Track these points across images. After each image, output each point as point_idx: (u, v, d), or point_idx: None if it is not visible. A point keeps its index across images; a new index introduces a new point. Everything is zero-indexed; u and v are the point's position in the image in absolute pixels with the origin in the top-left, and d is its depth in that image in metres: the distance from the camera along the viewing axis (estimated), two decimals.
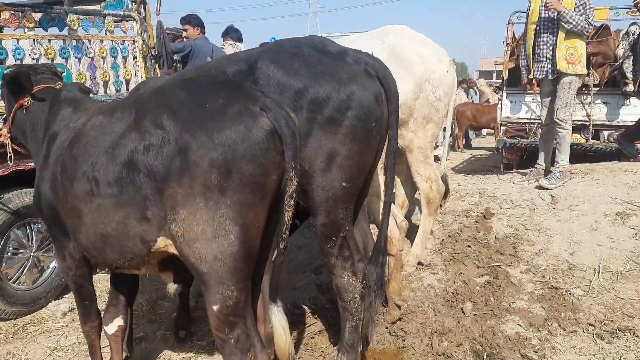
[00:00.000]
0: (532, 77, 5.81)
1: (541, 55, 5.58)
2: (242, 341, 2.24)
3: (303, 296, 4.44)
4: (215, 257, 2.12)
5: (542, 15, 5.51)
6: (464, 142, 15.13)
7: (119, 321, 3.14)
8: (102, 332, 3.17)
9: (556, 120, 5.58)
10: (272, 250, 2.39)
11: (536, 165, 6.00)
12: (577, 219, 4.49)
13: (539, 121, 8.53)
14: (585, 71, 5.71)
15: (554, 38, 5.43)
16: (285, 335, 2.37)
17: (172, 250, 2.27)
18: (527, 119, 8.67)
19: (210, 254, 2.12)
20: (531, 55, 5.71)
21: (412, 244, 4.66)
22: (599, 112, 8.07)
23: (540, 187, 5.42)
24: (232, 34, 7.99)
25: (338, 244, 2.93)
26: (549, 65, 5.53)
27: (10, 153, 3.26)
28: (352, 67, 2.79)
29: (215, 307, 2.19)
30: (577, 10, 5.25)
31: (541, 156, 6.01)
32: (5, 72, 3.18)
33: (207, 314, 2.31)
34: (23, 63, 4.22)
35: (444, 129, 13.41)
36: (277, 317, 2.35)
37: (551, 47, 5.47)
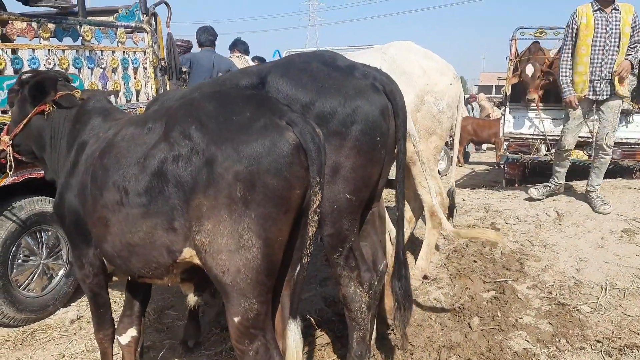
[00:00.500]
0: (582, 95, 5.53)
1: (600, 74, 5.39)
2: (262, 353, 2.26)
3: (309, 308, 4.46)
4: (238, 270, 2.15)
5: (601, 31, 5.32)
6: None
7: (132, 332, 3.16)
8: (115, 340, 3.19)
9: (604, 145, 5.43)
10: (295, 265, 2.43)
11: (554, 183, 5.85)
12: (583, 236, 4.54)
13: (542, 137, 8.64)
14: (628, 94, 5.60)
15: (613, 58, 5.30)
16: (297, 354, 2.39)
17: (197, 261, 2.29)
18: (530, 134, 8.74)
19: (233, 266, 2.15)
20: (585, 73, 5.46)
21: (416, 258, 4.71)
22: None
23: (598, 212, 5.17)
24: (239, 46, 8.06)
25: (344, 255, 2.97)
26: (608, 86, 5.37)
27: (10, 161, 3.20)
28: (359, 82, 2.84)
29: (236, 319, 2.22)
30: (633, 30, 5.19)
31: (560, 175, 5.84)
32: (25, 77, 3.15)
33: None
34: (37, 69, 4.26)
35: (445, 143, 13.42)
36: (293, 334, 2.36)
37: (610, 67, 5.32)
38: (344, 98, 2.74)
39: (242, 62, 7.63)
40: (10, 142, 3.18)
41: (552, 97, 8.79)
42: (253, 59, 7.81)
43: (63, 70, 4.45)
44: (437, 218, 4.48)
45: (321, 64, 2.87)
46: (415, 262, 4.72)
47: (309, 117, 2.68)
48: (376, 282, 3.17)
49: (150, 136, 2.39)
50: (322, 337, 4.00)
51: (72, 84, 3.34)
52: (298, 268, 2.38)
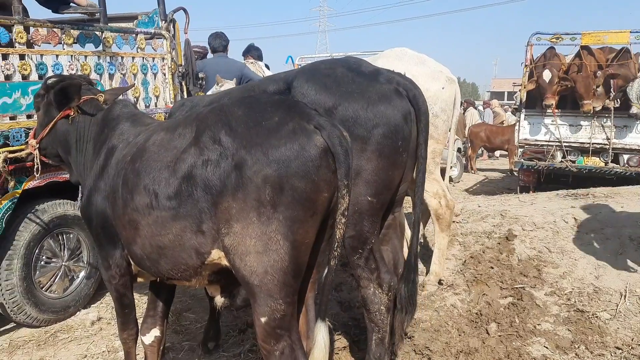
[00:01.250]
0: None
1: None
2: (287, 354, 2.29)
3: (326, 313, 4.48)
4: (265, 271, 2.19)
5: None
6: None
7: (155, 332, 3.21)
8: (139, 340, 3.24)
9: None
10: (323, 267, 2.46)
11: None
12: (601, 243, 4.53)
13: (557, 143, 8.63)
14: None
15: None
16: (326, 354, 2.42)
17: (225, 262, 2.34)
18: (546, 141, 8.73)
19: (261, 268, 2.19)
20: None
21: (429, 263, 4.73)
22: (619, 136, 8.13)
23: None
24: (252, 52, 8.13)
25: (364, 256, 3.02)
26: None
27: (37, 164, 3.29)
28: (383, 87, 2.90)
29: (263, 319, 2.26)
30: None
31: None
32: (50, 82, 3.20)
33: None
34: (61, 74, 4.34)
35: (458, 150, 13.42)
36: (322, 335, 2.40)
37: None
38: (367, 102, 2.80)
39: (255, 67, 7.69)
40: (37, 145, 3.26)
41: (569, 103, 8.79)
42: (266, 66, 7.87)
43: (86, 75, 4.54)
44: (443, 221, 4.51)
45: (346, 69, 2.94)
46: (429, 267, 4.75)
47: (333, 121, 2.74)
48: (396, 285, 3.21)
49: (180, 141, 2.44)
50: (339, 341, 4.03)
51: (95, 88, 3.41)
52: (326, 270, 2.41)
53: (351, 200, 2.78)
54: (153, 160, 2.49)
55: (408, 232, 4.27)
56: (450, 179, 12.69)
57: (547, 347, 3.56)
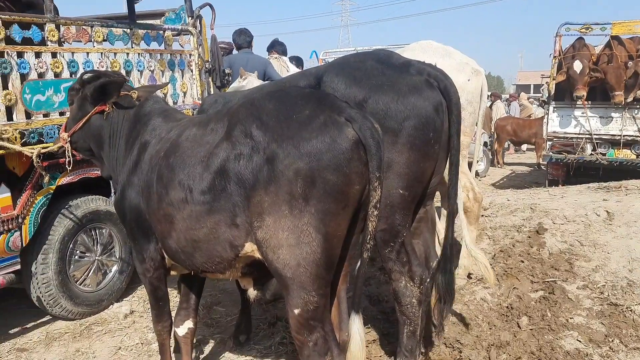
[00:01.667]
0: None
1: None
2: (320, 345, 2.32)
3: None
4: (298, 263, 2.21)
5: None
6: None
7: (189, 323, 3.27)
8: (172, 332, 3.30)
9: None
10: (355, 259, 2.47)
11: None
12: (635, 236, 4.45)
13: (587, 136, 8.48)
14: None
15: None
16: (362, 345, 2.43)
17: (258, 255, 2.36)
18: (576, 133, 8.58)
19: (293, 260, 2.21)
20: None
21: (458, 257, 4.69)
22: None
23: None
24: (276, 47, 8.15)
25: (396, 250, 3.01)
26: None
27: (69, 157, 3.32)
28: (413, 79, 2.88)
29: (296, 311, 2.28)
30: None
31: None
32: (87, 77, 3.21)
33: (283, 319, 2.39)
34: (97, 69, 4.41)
35: (484, 144, 13.24)
36: (357, 327, 2.41)
37: None
38: (397, 95, 2.79)
39: (279, 63, 7.71)
40: (69, 139, 3.29)
41: (599, 95, 8.62)
42: (290, 60, 7.87)
43: (119, 72, 4.61)
44: (471, 214, 4.47)
45: (376, 62, 2.93)
46: (458, 261, 4.72)
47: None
48: (428, 278, 3.20)
49: (212, 136, 2.48)
50: (368, 335, 4.03)
51: (128, 84, 3.44)
52: (359, 263, 2.42)
53: (383, 193, 2.80)
54: (187, 155, 2.53)
55: (438, 225, 4.25)
56: (477, 174, 12.58)
57: (580, 341, 3.52)
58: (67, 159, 3.33)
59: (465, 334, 3.82)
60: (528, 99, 20.47)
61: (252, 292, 2.91)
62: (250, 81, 4.82)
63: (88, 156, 3.52)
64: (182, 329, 3.25)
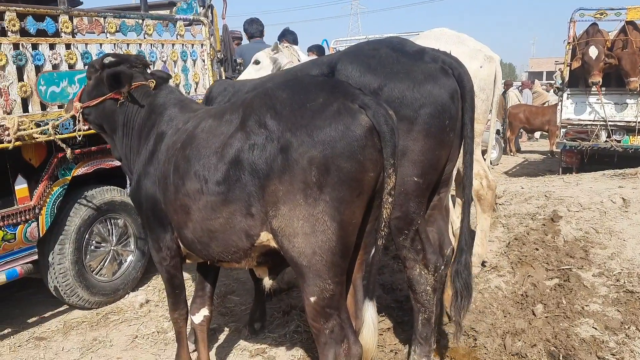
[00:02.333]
0: None
1: None
2: (337, 332, 2.33)
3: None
4: (313, 252, 2.22)
5: None
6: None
7: (204, 311, 3.30)
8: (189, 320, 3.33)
9: None
10: (370, 247, 2.47)
11: None
12: None
13: (602, 123, 8.38)
14: None
15: None
16: (375, 332, 2.44)
17: (273, 244, 2.37)
18: (590, 120, 8.48)
19: (309, 249, 2.22)
20: None
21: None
22: None
23: None
24: (287, 36, 8.11)
25: (410, 237, 3.01)
26: None
27: (79, 127, 3.37)
28: (429, 66, 2.87)
29: (312, 299, 2.29)
30: None
31: None
32: (107, 61, 3.23)
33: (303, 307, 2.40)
34: (119, 53, 4.41)
35: (497, 132, 13.09)
36: (370, 314, 2.42)
37: None
38: (413, 82, 2.78)
39: (290, 52, 7.68)
40: (81, 110, 3.32)
41: (613, 81, 8.52)
42: (310, 49, 7.80)
43: (143, 56, 4.59)
44: (485, 202, 4.45)
45: (390, 49, 2.91)
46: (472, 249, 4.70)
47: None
48: (442, 266, 3.20)
49: (227, 127, 2.48)
50: (382, 323, 4.04)
51: (148, 71, 3.42)
52: (373, 250, 2.42)
53: (397, 180, 2.79)
54: (202, 146, 2.54)
55: (452, 214, 4.24)
56: (490, 162, 12.49)
57: (595, 328, 3.50)
58: (77, 128, 3.39)
59: (480, 321, 3.82)
60: (550, 85, 20.20)
61: (267, 282, 2.93)
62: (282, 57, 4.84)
63: (98, 130, 3.52)
64: (198, 317, 3.28)
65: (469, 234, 3.12)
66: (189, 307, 3.28)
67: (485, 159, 4.72)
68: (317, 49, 7.72)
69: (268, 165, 2.26)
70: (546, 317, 3.73)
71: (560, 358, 3.30)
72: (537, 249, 4.56)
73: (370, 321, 2.41)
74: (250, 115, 2.38)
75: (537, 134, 17.46)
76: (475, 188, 4.39)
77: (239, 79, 4.77)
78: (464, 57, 4.19)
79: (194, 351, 3.75)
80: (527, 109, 14.53)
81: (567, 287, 3.96)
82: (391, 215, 2.72)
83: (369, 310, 2.42)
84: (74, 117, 3.38)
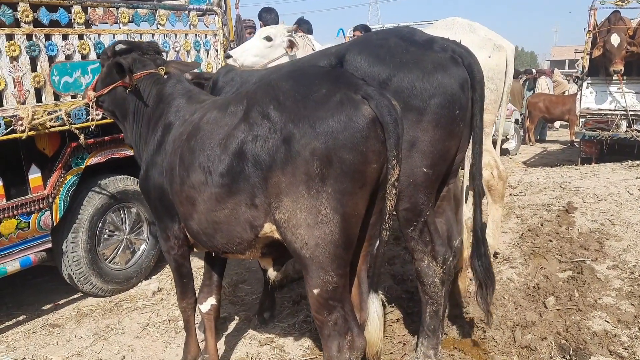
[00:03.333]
0: None
1: None
2: (340, 324, 2.33)
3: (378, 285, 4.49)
4: (316, 244, 2.21)
5: None
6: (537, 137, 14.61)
7: (212, 300, 3.33)
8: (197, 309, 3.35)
9: None
10: (374, 239, 2.46)
11: None
12: None
13: (623, 112, 8.21)
14: None
15: None
16: (380, 325, 2.43)
17: (277, 235, 2.37)
18: (611, 110, 8.31)
19: (312, 241, 2.21)
20: None
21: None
22: None
23: None
24: (302, 25, 8.07)
25: (419, 229, 2.99)
26: None
27: (93, 115, 3.49)
28: (438, 55, 2.83)
29: (315, 291, 2.29)
30: None
31: None
32: (118, 48, 3.28)
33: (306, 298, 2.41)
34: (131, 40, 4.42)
35: (516, 121, 12.91)
36: (375, 306, 2.41)
37: None
38: (423, 72, 2.74)
39: (305, 41, 7.64)
40: (95, 98, 3.39)
41: (635, 70, 8.33)
42: (357, 28, 7.67)
43: (155, 42, 4.60)
44: (496, 192, 4.39)
45: (399, 39, 2.88)
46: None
47: (387, 92, 2.70)
48: (450, 258, 3.17)
49: (231, 118, 2.48)
50: (392, 314, 4.04)
51: (161, 58, 3.45)
52: (377, 242, 2.40)
53: (406, 171, 2.78)
54: (207, 138, 2.54)
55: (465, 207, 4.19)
56: (507, 152, 12.34)
57: (608, 322, 3.45)
58: (91, 116, 3.50)
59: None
60: (570, 75, 19.83)
61: (271, 273, 2.94)
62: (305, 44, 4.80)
63: (112, 117, 3.59)
64: (205, 306, 3.31)
65: (482, 224, 3.09)
66: (196, 297, 3.31)
67: (496, 148, 4.65)
68: (363, 29, 7.53)
69: (271, 156, 2.25)
70: (558, 309, 3.69)
71: (571, 352, 3.26)
72: (550, 241, 4.50)
73: (375, 314, 2.40)
74: (254, 107, 2.38)
75: (557, 124, 17.17)
76: (486, 178, 4.33)
77: (241, 46, 4.66)
78: (473, 46, 4.12)
79: (203, 340, 3.80)
80: (547, 98, 14.27)
81: (580, 279, 3.91)
82: (395, 207, 2.73)
83: (374, 303, 2.42)
84: (88, 105, 3.45)
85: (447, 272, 3.20)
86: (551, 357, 3.28)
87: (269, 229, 2.40)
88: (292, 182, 2.20)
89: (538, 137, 14.73)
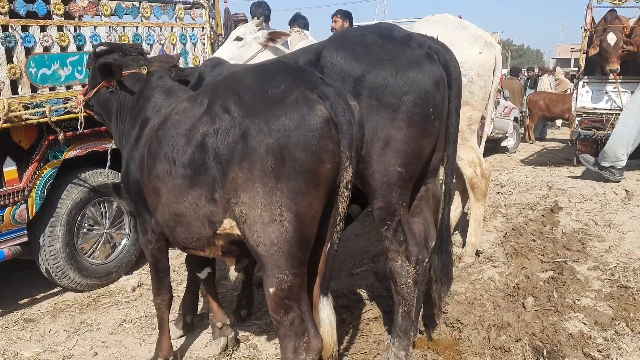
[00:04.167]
0: None
1: None
2: (297, 324, 2.30)
3: (360, 283, 4.47)
4: (272, 242, 2.19)
5: None
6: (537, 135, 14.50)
7: (208, 269, 3.43)
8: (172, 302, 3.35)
9: None
10: (327, 241, 2.42)
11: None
12: None
13: (618, 112, 8.11)
14: None
15: None
16: (332, 330, 2.38)
17: (237, 232, 2.36)
18: (606, 109, 8.22)
19: (267, 238, 2.19)
20: None
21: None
22: None
23: None
24: (298, 21, 8.01)
25: (393, 228, 2.95)
26: None
27: (81, 119, 3.55)
28: (414, 52, 2.79)
29: (271, 290, 2.27)
30: None
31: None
32: (99, 50, 3.33)
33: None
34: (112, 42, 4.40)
35: (515, 119, 12.77)
36: (326, 311, 2.36)
37: None
38: (397, 69, 2.71)
39: (301, 36, 7.59)
40: (83, 103, 3.45)
41: (631, 69, 8.23)
42: (336, 14, 7.51)
43: (138, 44, 4.58)
44: (478, 190, 4.35)
45: (376, 35, 2.86)
46: (466, 239, 4.62)
47: (361, 89, 2.67)
48: (426, 258, 3.13)
49: (198, 110, 2.48)
50: (370, 312, 4.00)
51: (145, 58, 3.46)
52: (329, 244, 2.37)
53: (380, 170, 2.75)
54: (173, 127, 2.55)
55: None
56: (506, 149, 12.25)
57: (585, 323, 3.39)
58: (80, 120, 3.58)
59: (468, 313, 3.74)
60: (567, 74, 19.70)
61: (232, 273, 2.92)
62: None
63: (103, 121, 3.64)
64: (203, 274, 3.45)
65: (449, 222, 3.07)
66: (172, 294, 3.31)
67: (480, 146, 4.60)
68: (344, 14, 7.27)
69: (230, 151, 2.23)
70: (536, 310, 3.63)
71: (544, 353, 3.21)
72: (534, 240, 4.44)
73: (326, 318, 2.36)
74: (216, 99, 2.36)
75: (559, 122, 17.04)
76: (469, 176, 4.30)
77: (215, 54, 4.64)
78: (463, 42, 4.11)
79: (180, 337, 3.78)
80: (547, 96, 14.17)
81: (561, 280, 3.85)
82: (370, 206, 2.70)
83: (324, 308, 2.36)
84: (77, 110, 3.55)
85: (421, 273, 3.16)
86: (524, 359, 3.23)
87: (228, 225, 2.38)
88: (248, 178, 2.18)
89: (538, 136, 14.62)
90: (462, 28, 4.22)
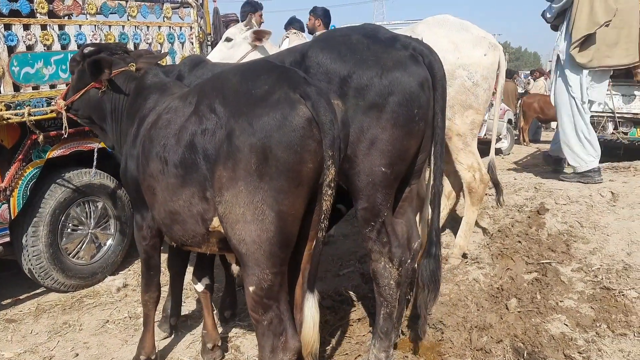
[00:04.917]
0: None
1: None
2: (275, 324, 2.30)
3: (346, 284, 4.46)
4: (253, 240, 2.20)
5: None
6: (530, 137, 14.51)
7: (205, 280, 3.42)
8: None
9: None
10: (311, 239, 2.42)
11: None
12: (637, 218, 4.26)
13: (609, 114, 8.14)
14: None
15: None
16: (314, 328, 2.37)
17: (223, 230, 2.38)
18: (598, 112, 8.24)
19: (248, 237, 2.20)
20: None
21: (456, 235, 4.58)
22: None
23: None
24: (294, 24, 8.01)
25: (376, 229, 2.95)
26: None
27: (65, 124, 3.50)
28: (398, 53, 2.80)
29: (251, 288, 2.28)
30: None
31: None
32: (87, 50, 3.32)
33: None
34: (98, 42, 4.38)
35: (509, 121, 12.68)
36: (310, 309, 2.35)
37: None
38: (381, 69, 2.72)
39: (298, 38, 7.58)
40: (65, 107, 3.42)
41: (621, 73, 8.24)
42: (311, 11, 7.49)
43: (123, 43, 4.57)
44: (475, 195, 4.33)
45: (362, 36, 2.87)
46: (455, 240, 4.61)
47: (347, 89, 2.68)
48: (409, 260, 3.12)
49: (188, 109, 2.49)
50: (355, 313, 4.00)
51: (130, 57, 3.47)
52: (313, 243, 2.37)
53: (365, 170, 2.76)
54: (164, 127, 2.57)
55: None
56: (500, 151, 12.24)
57: (566, 325, 3.40)
58: (64, 125, 3.51)
59: (452, 314, 3.74)
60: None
61: (235, 268, 2.96)
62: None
63: (87, 124, 3.64)
64: (200, 286, 3.43)
65: (439, 226, 3.05)
66: (160, 292, 3.31)
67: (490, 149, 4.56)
68: (320, 12, 7.18)
69: (216, 150, 2.26)
70: (519, 312, 3.63)
71: (525, 355, 3.21)
72: (519, 242, 4.44)
73: (310, 316, 2.35)
74: (203, 99, 2.39)
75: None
76: (467, 180, 4.28)
77: (208, 56, 4.63)
78: (467, 44, 4.06)
79: (164, 338, 3.76)
80: (542, 99, 14.18)
81: (544, 281, 3.85)
82: (355, 207, 2.69)
83: (309, 305, 2.36)
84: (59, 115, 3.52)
85: (404, 275, 3.15)
86: None
87: (217, 223, 2.40)
88: (232, 177, 2.20)
89: (532, 138, 14.63)
90: (465, 29, 4.16)
